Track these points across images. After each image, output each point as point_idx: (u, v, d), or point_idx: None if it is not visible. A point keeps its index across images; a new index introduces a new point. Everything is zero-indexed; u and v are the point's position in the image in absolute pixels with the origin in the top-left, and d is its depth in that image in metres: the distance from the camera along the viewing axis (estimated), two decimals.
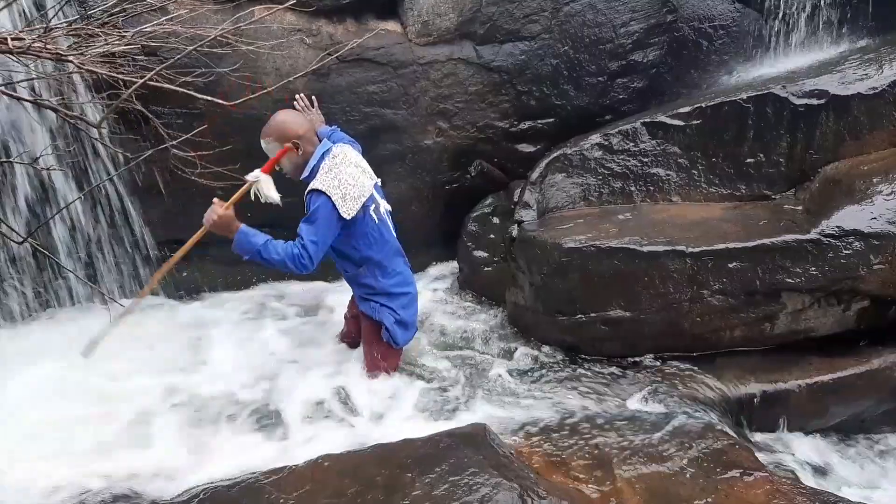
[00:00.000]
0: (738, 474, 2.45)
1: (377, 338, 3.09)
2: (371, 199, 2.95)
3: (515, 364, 3.26)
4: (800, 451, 3.01)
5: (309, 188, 2.84)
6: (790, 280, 2.98)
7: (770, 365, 3.08)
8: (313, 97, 3.53)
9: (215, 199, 2.75)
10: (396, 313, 3.06)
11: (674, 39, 3.88)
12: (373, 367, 3.17)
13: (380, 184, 3.16)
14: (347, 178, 2.85)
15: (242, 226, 2.76)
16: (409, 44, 3.73)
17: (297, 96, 3.48)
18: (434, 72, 3.75)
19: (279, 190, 2.79)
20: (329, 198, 2.79)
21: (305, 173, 2.93)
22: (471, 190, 3.97)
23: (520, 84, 3.81)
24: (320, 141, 2.97)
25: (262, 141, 2.94)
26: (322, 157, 2.90)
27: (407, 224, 3.89)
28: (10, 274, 3.42)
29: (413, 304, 3.16)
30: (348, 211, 2.83)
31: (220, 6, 3.34)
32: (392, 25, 3.76)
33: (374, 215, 2.96)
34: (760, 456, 2.67)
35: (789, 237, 3.00)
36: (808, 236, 2.98)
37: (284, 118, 2.94)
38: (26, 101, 2.42)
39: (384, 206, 3.09)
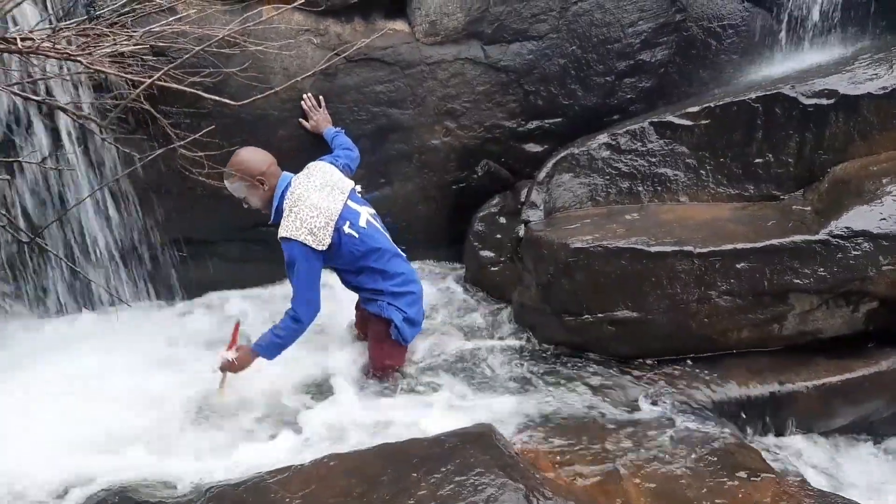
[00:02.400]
0: (745, 476, 2.44)
1: (386, 336, 3.10)
2: (342, 218, 2.97)
3: (522, 364, 3.26)
4: (807, 452, 3.00)
5: (279, 235, 2.93)
6: (798, 281, 2.96)
7: (778, 366, 3.06)
8: (320, 97, 3.54)
9: (220, 354, 3.01)
10: (403, 311, 3.08)
11: (682, 39, 3.85)
12: (379, 366, 3.19)
13: (358, 190, 3.17)
14: (309, 212, 2.90)
15: (253, 347, 2.99)
16: (416, 43, 3.73)
17: (304, 96, 3.50)
18: (441, 71, 3.75)
19: None
20: (297, 242, 2.87)
21: (272, 216, 3.02)
22: (477, 190, 3.96)
23: (527, 84, 3.80)
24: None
25: (226, 182, 3.02)
26: (283, 197, 2.97)
27: (413, 224, 3.91)
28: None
29: (418, 302, 3.17)
30: (320, 243, 2.90)
31: (228, 6, 3.35)
32: (400, 25, 3.76)
33: (351, 231, 2.98)
34: (767, 457, 2.66)
35: (798, 238, 2.98)
36: (816, 237, 2.96)
37: (245, 156, 3.01)
38: (35, 100, 2.44)
39: (366, 215, 3.09)
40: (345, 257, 3.00)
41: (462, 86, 3.79)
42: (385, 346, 3.15)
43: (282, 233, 2.91)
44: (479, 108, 3.82)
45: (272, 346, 2.98)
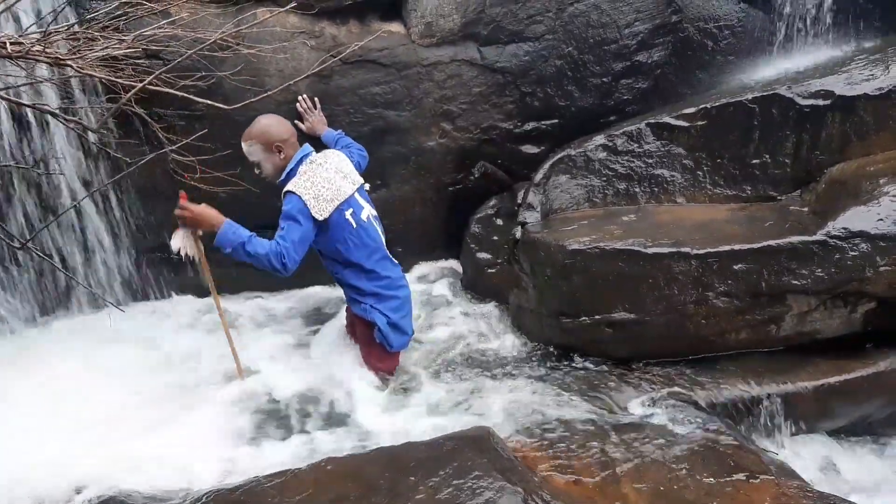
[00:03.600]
0: (744, 477, 2.43)
1: (371, 339, 3.10)
2: (348, 203, 2.98)
3: (519, 366, 3.25)
4: (806, 453, 3.00)
5: (284, 190, 2.91)
6: (796, 282, 2.96)
7: (776, 367, 3.06)
8: (315, 99, 3.53)
9: (182, 195, 2.75)
10: (387, 316, 3.06)
11: (679, 40, 3.85)
12: (371, 370, 3.17)
13: (366, 188, 3.17)
14: (321, 182, 2.90)
15: (227, 219, 2.78)
16: (412, 45, 3.72)
17: (299, 98, 3.48)
18: (438, 73, 3.74)
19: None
20: (300, 198, 2.85)
21: (282, 177, 3.00)
22: (474, 191, 3.95)
23: (524, 85, 3.80)
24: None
25: (243, 143, 2.98)
26: (300, 162, 2.97)
27: (410, 226, 3.90)
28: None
29: (404, 307, 3.15)
30: (320, 212, 2.88)
31: (222, 9, 3.34)
32: (395, 27, 3.75)
33: (350, 219, 2.97)
34: (766, 459, 2.65)
35: (795, 239, 2.98)
36: (814, 238, 2.96)
37: (269, 122, 3.00)
38: (26, 105, 2.42)
39: (368, 212, 3.09)
40: (335, 242, 2.97)
41: (458, 87, 3.78)
42: (373, 349, 3.14)
43: (289, 186, 2.89)
44: (476, 109, 3.81)
45: (236, 242, 2.72)
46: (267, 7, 3.46)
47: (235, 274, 3.60)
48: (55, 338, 3.46)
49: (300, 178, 2.91)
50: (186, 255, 2.81)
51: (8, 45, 1.64)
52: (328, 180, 2.93)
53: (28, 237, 2.94)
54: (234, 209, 3.45)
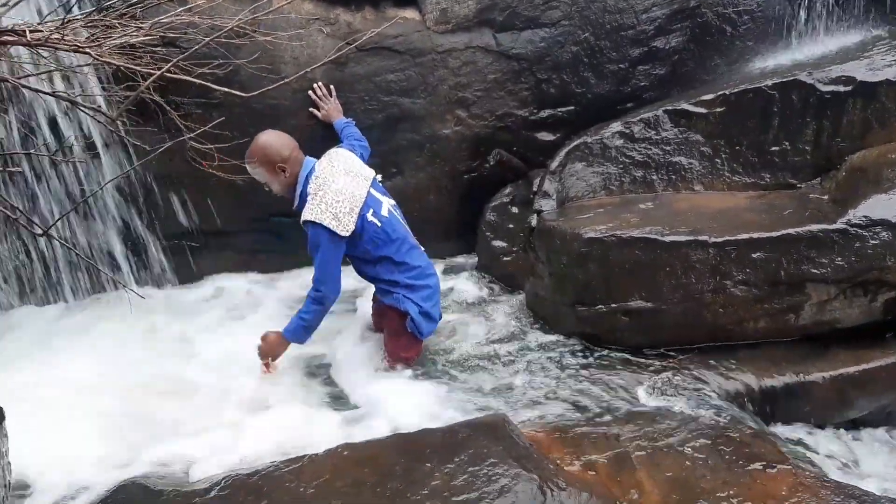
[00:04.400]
0: (760, 467, 2.42)
1: (402, 328, 3.09)
2: (367, 205, 2.96)
3: (534, 354, 3.25)
4: (824, 444, 2.97)
5: (302, 219, 2.91)
6: (816, 271, 2.93)
7: (794, 356, 3.04)
8: (331, 87, 3.52)
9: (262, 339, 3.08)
10: (420, 305, 3.06)
11: (697, 25, 3.80)
12: (394, 358, 3.18)
13: (379, 179, 3.15)
14: (333, 196, 2.88)
15: (283, 333, 3.03)
16: (427, 31, 3.70)
17: (314, 86, 3.48)
18: (453, 60, 3.72)
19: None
20: (322, 226, 2.85)
21: (296, 201, 3.00)
22: (489, 179, 3.94)
23: (539, 72, 3.77)
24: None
25: (247, 165, 2.99)
26: (307, 181, 2.94)
27: (425, 214, 3.89)
28: None
29: (434, 296, 3.15)
30: (345, 228, 2.88)
31: None
32: (410, 13, 3.73)
33: (374, 220, 2.96)
34: (783, 449, 2.63)
35: (815, 227, 2.95)
36: (834, 226, 2.93)
37: (267, 140, 2.97)
38: (45, 93, 2.44)
39: (387, 205, 3.08)
40: (365, 245, 2.98)
41: (473, 74, 3.76)
42: (402, 338, 3.14)
43: (306, 216, 2.88)
44: (491, 96, 3.79)
45: (299, 329, 3.02)
46: None
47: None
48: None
49: (313, 201, 2.89)
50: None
51: (28, 33, 1.64)
52: (339, 192, 2.89)
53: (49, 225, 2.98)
54: (253, 198, 3.49)
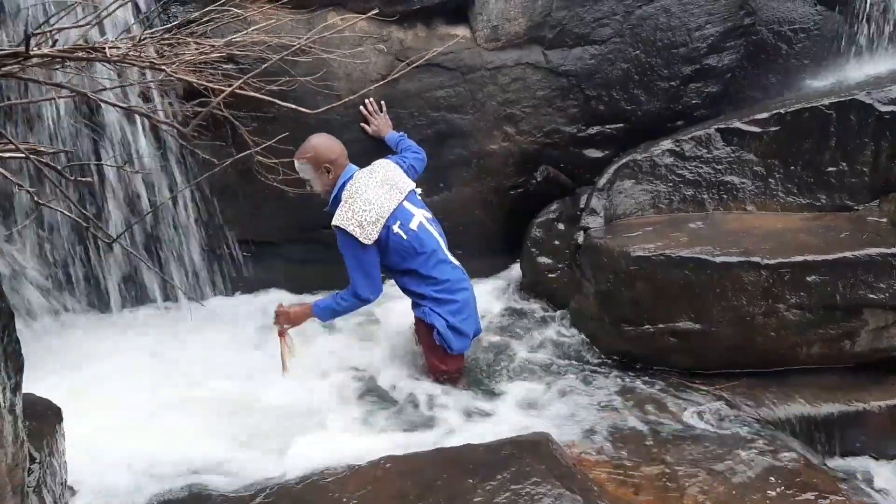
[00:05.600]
0: (812, 497, 2.35)
1: (432, 341, 3.11)
2: (394, 217, 3.01)
3: (578, 373, 3.22)
4: (879, 476, 2.86)
5: (332, 223, 3.03)
6: (873, 296, 2.85)
7: (848, 384, 2.96)
8: (382, 102, 3.58)
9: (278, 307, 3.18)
10: (446, 319, 3.07)
11: (751, 43, 3.75)
12: (436, 371, 3.20)
13: (419, 192, 3.19)
14: (362, 206, 2.97)
15: (314, 305, 3.13)
16: (477, 49, 3.73)
17: (365, 101, 3.54)
18: (502, 76, 3.74)
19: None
20: (345, 231, 2.96)
21: (329, 205, 3.10)
22: (536, 195, 3.93)
23: (588, 89, 3.76)
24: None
25: (295, 162, 3.10)
26: (342, 187, 3.05)
27: (471, 229, 3.90)
28: None
29: (464, 311, 3.14)
30: (367, 237, 2.96)
31: (293, 15, 3.43)
32: (461, 30, 3.76)
33: (399, 231, 3.01)
34: (837, 480, 2.55)
35: (873, 251, 2.87)
36: (892, 250, 2.86)
37: (319, 141, 3.10)
38: (121, 107, 2.54)
39: (421, 217, 3.11)
40: (392, 256, 3.05)
41: (522, 91, 3.77)
42: (436, 352, 3.16)
43: (334, 221, 3.01)
44: (539, 113, 3.79)
45: (328, 310, 3.12)
46: (335, 11, 3.53)
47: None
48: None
49: (342, 208, 2.99)
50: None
51: (107, 49, 1.73)
52: (368, 201, 2.98)
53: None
54: (301, 211, 3.56)
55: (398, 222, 3.02)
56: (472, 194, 3.90)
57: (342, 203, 3.01)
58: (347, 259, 3.03)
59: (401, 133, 3.55)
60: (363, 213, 2.96)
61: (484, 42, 3.74)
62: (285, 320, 3.16)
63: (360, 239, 2.95)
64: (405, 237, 3.02)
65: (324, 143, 3.10)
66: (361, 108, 3.56)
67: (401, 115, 3.65)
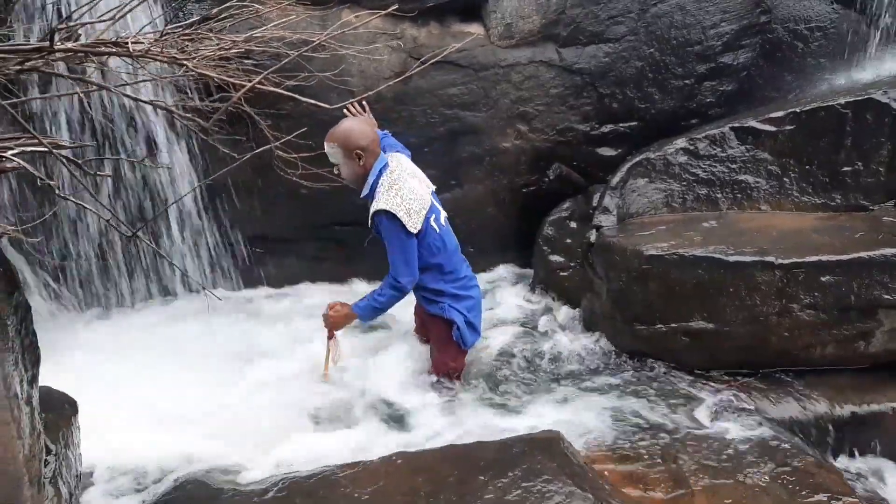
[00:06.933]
0: (825, 498, 2.34)
1: (448, 338, 3.10)
2: (432, 209, 2.99)
3: (589, 371, 3.21)
4: (893, 478, 2.84)
5: (373, 209, 2.90)
6: (888, 296, 2.82)
7: (863, 385, 2.93)
8: (364, 102, 3.49)
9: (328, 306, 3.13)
10: (465, 314, 3.07)
11: (767, 41, 3.73)
12: (441, 369, 3.19)
13: (434, 191, 3.18)
14: (408, 193, 2.90)
15: (354, 307, 3.05)
16: (491, 46, 3.73)
17: (347, 103, 3.48)
18: (515, 74, 3.74)
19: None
20: (395, 216, 2.85)
21: (365, 191, 2.99)
22: (548, 193, 3.93)
23: (602, 87, 3.75)
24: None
25: (326, 144, 2.99)
26: (380, 174, 2.94)
27: (483, 226, 3.91)
28: None
29: (477, 308, 3.15)
30: (414, 225, 2.89)
31: (308, 11, 3.44)
32: (475, 28, 3.77)
33: (434, 225, 2.99)
34: (849, 481, 2.53)
35: (888, 251, 2.84)
36: None
37: (351, 126, 2.98)
38: (144, 102, 2.55)
39: (444, 214, 3.11)
40: (422, 250, 2.99)
41: (535, 88, 3.77)
42: (449, 348, 3.15)
43: (380, 205, 2.88)
44: (552, 110, 3.79)
45: (369, 308, 3.04)
46: (350, 8, 3.54)
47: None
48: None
49: (388, 193, 2.89)
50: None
51: (129, 44, 1.75)
52: (412, 190, 2.93)
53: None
54: (316, 206, 3.57)
55: (433, 215, 3.00)
56: (485, 192, 3.91)
57: (387, 188, 2.90)
58: (392, 244, 2.92)
59: (384, 131, 3.51)
60: (410, 202, 2.89)
61: (497, 39, 3.74)
62: (334, 324, 3.12)
63: (408, 227, 2.88)
64: (438, 231, 3.01)
65: (356, 127, 2.98)
66: (345, 110, 3.51)
67: (413, 113, 3.66)
